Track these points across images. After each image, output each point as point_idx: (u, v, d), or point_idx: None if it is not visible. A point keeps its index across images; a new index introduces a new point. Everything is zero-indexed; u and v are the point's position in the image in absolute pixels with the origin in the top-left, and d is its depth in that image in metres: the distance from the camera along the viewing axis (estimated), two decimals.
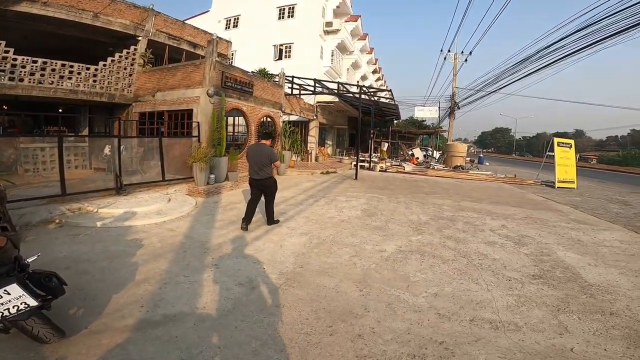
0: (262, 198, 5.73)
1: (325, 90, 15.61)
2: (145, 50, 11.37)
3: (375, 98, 17.52)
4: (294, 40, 21.96)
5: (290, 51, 22.26)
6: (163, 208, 6.51)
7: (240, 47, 22.61)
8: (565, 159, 14.27)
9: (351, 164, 17.36)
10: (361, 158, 17.88)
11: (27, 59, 8.81)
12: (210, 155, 8.63)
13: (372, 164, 17.05)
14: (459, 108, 24.35)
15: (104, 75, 10.43)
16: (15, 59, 8.62)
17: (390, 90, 17.84)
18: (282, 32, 22.39)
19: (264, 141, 5.70)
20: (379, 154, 21.86)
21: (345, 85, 14.76)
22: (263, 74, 15.33)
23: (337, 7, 23.31)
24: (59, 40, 11.22)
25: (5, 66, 8.44)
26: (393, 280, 3.72)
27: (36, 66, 8.99)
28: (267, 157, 5.43)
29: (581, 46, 10.50)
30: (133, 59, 11.14)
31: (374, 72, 37.96)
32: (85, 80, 9.97)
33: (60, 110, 12.01)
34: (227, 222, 5.92)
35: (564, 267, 4.33)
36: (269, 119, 13.06)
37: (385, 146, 23.19)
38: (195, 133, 9.31)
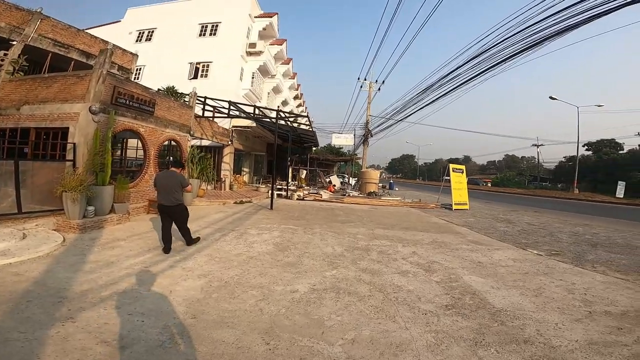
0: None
1: (242, 114, 14.86)
2: (19, 57, 9.34)
3: (295, 124, 17.48)
4: (213, 59, 20.79)
5: (207, 70, 20.96)
6: (10, 247, 5.05)
7: (151, 63, 20.82)
8: (459, 183, 16.12)
9: (268, 192, 16.70)
10: (278, 186, 17.42)
11: None
12: (87, 183, 7.07)
13: (289, 193, 16.66)
14: (372, 136, 26.03)
15: None
16: None
17: (307, 116, 17.98)
18: (201, 50, 21.12)
19: (173, 168, 5.84)
20: (297, 182, 21.71)
21: (263, 110, 14.31)
22: (171, 92, 13.99)
23: (264, 29, 22.97)
24: None
25: None
26: (306, 326, 3.18)
27: None
28: (178, 183, 5.58)
29: (475, 73, 12.05)
30: (0, 65, 8.98)
31: (296, 97, 38.54)
32: None
33: None
34: (102, 264, 4.71)
35: (471, 292, 4.34)
36: (174, 143, 11.73)
37: (303, 174, 23.22)
38: (70, 156, 7.67)
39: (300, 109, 41.43)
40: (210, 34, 21.63)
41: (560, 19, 8.68)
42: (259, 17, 22.98)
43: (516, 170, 73.95)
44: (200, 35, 21.85)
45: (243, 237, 7.06)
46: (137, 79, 20.59)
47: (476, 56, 11.22)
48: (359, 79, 26.14)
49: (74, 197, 6.71)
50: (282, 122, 16.99)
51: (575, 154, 39.94)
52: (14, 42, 9.47)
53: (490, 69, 10.92)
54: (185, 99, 13.61)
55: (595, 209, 20.40)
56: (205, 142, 16.84)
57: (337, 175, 28.66)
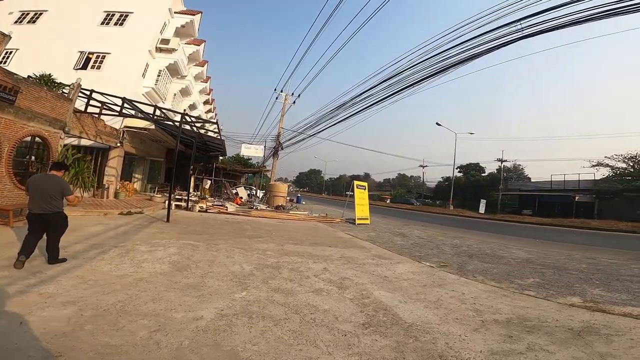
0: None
1: (139, 114, 12.86)
2: None
3: (202, 130, 16.07)
4: (111, 50, 17.82)
5: (102, 62, 17.72)
6: None
7: (28, 47, 16.77)
8: (362, 199, 17.22)
9: (164, 202, 14.83)
10: (177, 197, 15.72)
11: None
12: None
13: (190, 204, 15.12)
14: (282, 149, 25.96)
15: None
16: None
17: (216, 123, 16.84)
18: (99, 39, 17.99)
19: (54, 172, 4.96)
20: (200, 192, 19.99)
21: (166, 112, 12.66)
22: (46, 81, 11.30)
23: (182, 26, 20.84)
24: None
25: None
26: None
27: None
28: (59, 190, 4.79)
29: (387, 94, 12.95)
30: None
31: (206, 102, 35.99)
32: None
33: None
34: None
35: (383, 308, 4.37)
36: (38, 139, 9.40)
37: (208, 184, 21.57)
38: None
39: (210, 115, 38.80)
40: (116, 24, 18.65)
41: (466, 48, 10.19)
42: (180, 13, 21.00)
43: (406, 188, 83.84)
44: (102, 23, 18.82)
45: (129, 255, 5.88)
46: (4, 63, 16.18)
47: (388, 78, 12.31)
48: (275, 90, 25.94)
49: None
50: (187, 127, 15.52)
51: (451, 175, 47.49)
52: None
53: (400, 91, 12.09)
54: (65, 90, 11.18)
55: (465, 222, 24.25)
56: (86, 142, 14.12)
57: (245, 187, 27.58)
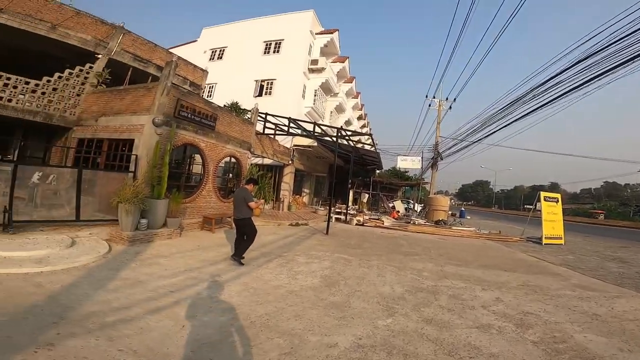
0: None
1: (301, 132, 14.52)
2: (103, 70, 10.24)
3: (357, 144, 16.68)
4: (276, 76, 20.85)
5: (271, 88, 21.02)
6: (51, 255, 5.03)
7: (222, 81, 21.93)
8: (552, 214, 13.72)
9: (326, 215, 15.94)
10: (337, 210, 16.59)
11: None
12: (143, 195, 7.04)
13: (348, 217, 15.66)
14: (442, 159, 23.91)
15: (44, 92, 9.11)
16: None
17: (370, 135, 16.99)
18: (266, 67, 21.42)
19: (246, 186, 6.24)
20: (357, 206, 20.63)
21: (323, 127, 13.83)
22: (234, 108, 14.36)
23: (325, 45, 22.75)
24: (13, 52, 10.14)
25: None
26: None
27: None
28: (242, 198, 5.92)
29: (578, 83, 9.51)
30: (86, 78, 9.95)
31: (360, 117, 37.40)
32: (21, 95, 8.66)
33: None
34: (129, 283, 4.36)
35: (589, 359, 2.88)
36: (233, 160, 11.76)
37: (365, 197, 22.08)
38: (132, 168, 7.91)
39: (365, 129, 40.36)
40: (274, 52, 21.85)
41: None
42: (320, 33, 22.88)
43: (618, 200, 62.81)
44: (265, 52, 22.15)
45: (288, 266, 6.28)
46: (210, 96, 21.82)
47: (581, 60, 9.06)
48: (427, 97, 24.40)
49: (127, 209, 6.71)
50: (344, 141, 16.36)
51: None
52: (99, 56, 10.39)
53: (599, 77, 8.68)
54: (247, 115, 13.77)
55: None
56: (267, 161, 16.95)
57: (402, 201, 26.81)
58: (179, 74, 13.24)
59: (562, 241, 13.40)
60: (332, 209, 17.51)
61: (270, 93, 20.89)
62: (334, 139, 12.81)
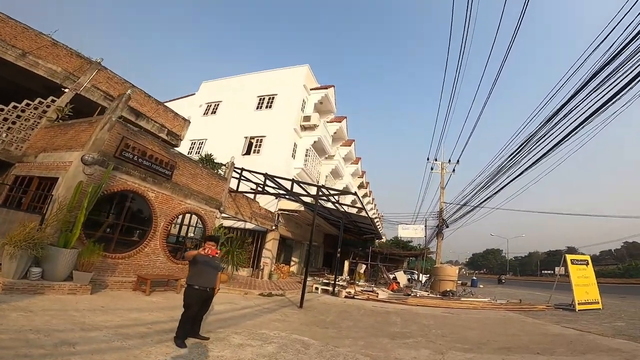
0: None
1: (279, 191, 12.96)
2: (66, 105, 9.31)
3: (344, 208, 15.08)
4: (266, 132, 19.34)
5: (260, 145, 19.35)
6: None
7: (213, 136, 20.85)
8: (583, 278, 12.44)
9: (313, 286, 13.58)
10: (324, 280, 14.29)
11: None
12: (39, 241, 5.54)
13: (337, 289, 13.27)
14: (447, 226, 21.90)
15: None
16: None
17: (356, 193, 15.37)
18: (256, 123, 20.14)
19: (211, 244, 4.71)
20: (353, 277, 18.10)
21: (302, 184, 12.40)
22: (207, 160, 13.21)
23: (320, 102, 21.65)
24: None
25: None
26: None
27: None
28: (218, 264, 4.81)
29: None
30: (44, 112, 9.00)
31: (361, 186, 34.27)
32: None
33: None
34: None
35: None
36: (195, 217, 10.14)
37: (362, 268, 19.61)
38: (46, 210, 6.53)
39: (367, 199, 38.40)
40: (267, 107, 20.67)
41: None
42: (315, 89, 21.96)
43: None
44: (257, 108, 21.00)
45: (205, 348, 4.22)
46: (198, 152, 20.26)
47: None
48: (428, 159, 23.41)
49: (11, 253, 5.29)
50: (333, 206, 14.81)
51: None
52: (66, 90, 9.55)
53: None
54: (221, 170, 12.55)
55: None
56: (249, 225, 15.25)
57: (405, 272, 24.00)
58: (155, 120, 12.47)
59: (599, 305, 11.85)
60: (320, 279, 15.18)
61: (258, 151, 19.22)
62: (317, 200, 11.29)
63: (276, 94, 20.82)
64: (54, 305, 5.00)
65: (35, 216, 6.38)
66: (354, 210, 16.37)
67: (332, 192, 12.47)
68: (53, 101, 9.26)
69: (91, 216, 6.72)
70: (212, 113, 23.01)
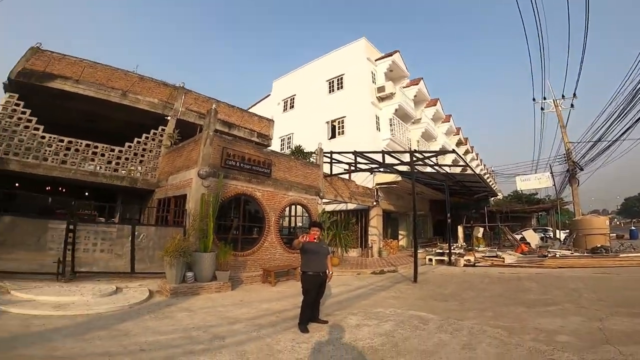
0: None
1: (371, 166, 12.63)
2: (173, 131, 10.91)
3: (445, 169, 13.79)
4: (345, 113, 19.19)
5: (343, 127, 19.39)
6: (78, 301, 5.21)
7: (297, 130, 21.51)
8: None
9: (426, 258, 13.08)
10: (439, 250, 13.58)
11: (54, 137, 9.02)
12: (186, 249, 6.65)
13: (453, 257, 12.45)
14: (581, 169, 18.19)
15: (127, 158, 10.09)
16: (43, 137, 8.83)
17: (454, 151, 13.83)
18: (333, 106, 20.12)
19: (315, 230, 4.93)
20: (468, 243, 16.70)
21: (394, 155, 11.75)
22: (298, 152, 13.80)
23: (389, 70, 20.60)
24: (104, 123, 11.82)
25: (32, 143, 8.65)
26: None
27: (61, 145, 9.10)
28: (327, 249, 5.09)
29: None
30: (160, 140, 10.76)
31: (459, 143, 31.55)
32: (107, 162, 9.76)
33: (86, 194, 11.88)
34: (111, 335, 3.95)
35: None
36: (299, 207, 10.76)
37: (480, 232, 17.91)
38: (185, 222, 7.75)
39: (470, 155, 34.55)
40: (338, 89, 20.48)
41: None
42: (379, 59, 20.91)
43: None
44: (330, 92, 20.96)
45: (325, 331, 4.44)
46: (288, 147, 21.26)
47: None
48: (534, 99, 19.65)
49: (170, 262, 6.52)
50: (431, 169, 13.77)
51: None
52: (168, 118, 11.14)
53: None
54: (312, 158, 12.93)
55: None
56: (350, 206, 15.52)
57: (535, 230, 20.96)
58: (244, 127, 13.61)
59: None
60: (433, 249, 14.45)
61: (343, 132, 19.26)
62: (412, 166, 10.64)
63: (343, 74, 20.46)
64: (207, 303, 5.87)
65: (179, 229, 7.66)
66: (457, 170, 14.86)
67: (426, 155, 11.60)
68: (163, 130, 10.91)
69: (218, 222, 7.78)
70: (290, 108, 23.71)
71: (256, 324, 4.68)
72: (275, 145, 18.47)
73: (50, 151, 9.01)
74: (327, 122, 20.16)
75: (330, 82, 21.23)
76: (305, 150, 14.40)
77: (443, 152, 13.36)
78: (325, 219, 11.34)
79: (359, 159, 12.11)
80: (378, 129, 18.66)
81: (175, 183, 9.10)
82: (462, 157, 13.68)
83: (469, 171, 14.85)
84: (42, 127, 8.98)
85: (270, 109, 23.08)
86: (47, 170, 8.93)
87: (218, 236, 7.79)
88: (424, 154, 11.81)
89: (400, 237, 19.47)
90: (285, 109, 23.97)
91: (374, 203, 15.71)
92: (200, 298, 6.35)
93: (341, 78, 20.59)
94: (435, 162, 13.00)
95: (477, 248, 14.66)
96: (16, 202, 9.62)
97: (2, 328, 3.85)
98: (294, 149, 14.71)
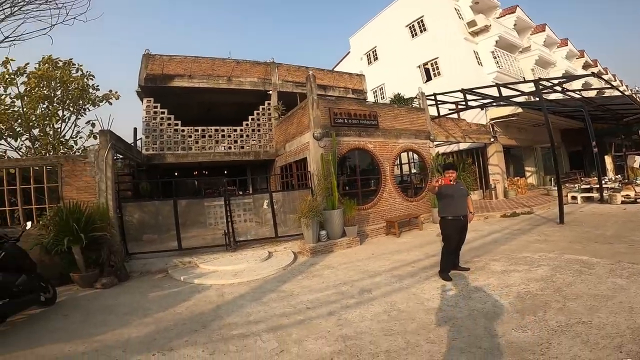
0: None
1: (483, 102, 11.28)
2: (277, 103, 11.79)
3: (574, 94, 11.20)
4: (436, 54, 18.18)
5: (438, 68, 18.45)
6: (247, 268, 6.03)
7: (387, 80, 21.03)
8: None
9: (568, 195, 11.41)
10: (584, 186, 11.67)
11: (191, 129, 10.75)
12: (317, 208, 7.27)
13: (606, 193, 10.53)
14: None
15: (247, 135, 11.41)
16: (183, 130, 10.64)
17: (593, 74, 10.90)
18: (421, 50, 19.07)
19: (450, 173, 4.61)
20: (625, 175, 13.73)
21: (512, 86, 9.98)
22: (397, 100, 13.22)
23: (474, 2, 18.04)
24: (219, 109, 13.43)
25: (177, 137, 10.56)
26: None
27: (198, 135, 10.84)
28: (465, 191, 4.75)
29: None
30: (269, 114, 11.80)
31: (587, 66, 26.30)
32: (234, 142, 11.21)
33: (225, 172, 13.81)
34: (283, 296, 4.47)
35: None
36: (411, 153, 10.52)
37: (635, 161, 14.48)
38: (310, 184, 8.41)
39: (606, 77, 27.37)
40: (421, 31, 19.29)
41: None
42: None
43: None
44: (413, 36, 19.85)
45: (470, 278, 4.46)
46: (382, 98, 21.34)
47: None
48: None
49: (305, 223, 7.18)
50: (557, 96, 11.39)
51: None
52: (269, 92, 12.04)
53: None
54: (415, 103, 12.22)
55: None
56: (463, 146, 14.41)
57: None
58: (337, 86, 13.74)
59: None
60: (575, 185, 12.40)
61: (439, 74, 18.23)
62: (540, 95, 9.03)
63: (422, 16, 18.84)
64: (343, 259, 6.29)
65: (306, 191, 8.39)
66: (591, 94, 11.93)
67: (554, 81, 9.66)
68: (268, 104, 11.79)
69: (338, 178, 8.22)
70: (374, 60, 22.98)
71: (395, 275, 4.89)
72: (368, 98, 18.28)
73: (191, 141, 10.72)
74: (419, 67, 19.21)
75: (410, 27, 19.85)
76: (404, 97, 13.72)
77: (575, 77, 10.76)
78: (441, 161, 10.80)
79: (468, 97, 10.94)
80: (480, 64, 16.99)
81: (293, 149, 9.83)
82: (600, 78, 10.86)
83: (608, 93, 11.76)
84: (179, 122, 10.66)
85: (353, 65, 22.43)
86: (193, 157, 10.74)
87: (340, 193, 8.19)
88: (551, 81, 9.81)
89: (527, 174, 17.31)
90: (369, 62, 23.33)
91: (491, 140, 14.13)
92: (336, 254, 6.83)
93: (421, 20, 19.07)
94: (563, 89, 10.67)
95: (636, 181, 12.00)
96: (172, 188, 12.05)
97: (207, 300, 4.51)
98: (393, 97, 14.17)
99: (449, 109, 12.46)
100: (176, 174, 13.94)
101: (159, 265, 6.57)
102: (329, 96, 12.06)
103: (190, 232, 7.77)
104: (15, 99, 8.42)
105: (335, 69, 20.47)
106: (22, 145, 8.58)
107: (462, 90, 10.44)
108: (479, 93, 10.59)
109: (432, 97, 11.54)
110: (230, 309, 4.05)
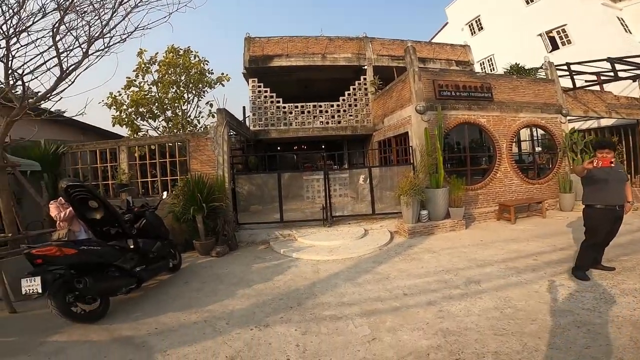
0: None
1: (638, 71, 8.91)
2: (374, 77, 11.45)
3: None
4: (564, 21, 15.83)
5: (567, 35, 16.00)
6: (342, 245, 5.96)
7: (497, 50, 18.91)
8: None
9: None
10: None
11: (291, 105, 11.22)
12: (419, 186, 6.69)
13: None
14: None
15: (345, 110, 11.37)
16: (284, 107, 11.16)
17: None
18: (543, 16, 16.67)
19: (606, 153, 3.53)
20: None
21: None
22: (516, 70, 11.46)
23: None
24: (316, 85, 13.71)
25: (279, 114, 11.13)
26: None
27: (297, 111, 11.26)
28: (624, 175, 3.71)
29: None
30: (365, 89, 11.53)
31: None
32: (331, 117, 11.33)
33: (323, 147, 14.09)
34: (376, 279, 4.25)
35: None
36: (535, 130, 8.98)
37: None
38: (411, 159, 7.83)
39: None
40: None
41: None
42: None
43: None
44: (528, 2, 17.55)
45: (616, 280, 3.54)
46: (492, 69, 19.20)
47: None
48: None
49: (405, 201, 6.67)
50: None
51: None
52: (365, 67, 11.74)
53: None
54: (540, 74, 10.33)
55: None
56: (604, 122, 11.82)
57: None
58: (438, 59, 12.79)
59: None
60: None
61: (568, 42, 15.92)
62: None
63: None
64: (446, 243, 5.76)
65: (406, 166, 7.81)
66: None
67: None
68: (364, 79, 11.46)
69: (443, 155, 7.40)
70: (479, 30, 20.85)
71: (511, 267, 4.21)
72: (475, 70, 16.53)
73: (291, 117, 11.20)
74: (540, 34, 16.83)
75: None
76: (525, 68, 11.87)
77: None
78: (578, 140, 8.94)
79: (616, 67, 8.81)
80: (628, 31, 15.25)
81: (392, 124, 9.33)
82: None
83: None
84: (281, 100, 11.16)
85: (453, 36, 20.30)
86: (294, 132, 11.22)
87: (446, 170, 7.50)
88: None
89: None
90: (473, 33, 21.13)
91: None
92: (437, 237, 6.31)
93: None
94: None
95: None
96: (276, 162, 12.77)
97: (303, 275, 4.56)
98: (510, 68, 12.42)
99: (585, 81, 10.28)
100: (278, 148, 14.90)
101: (262, 236, 6.93)
102: (430, 68, 11.17)
103: (290, 205, 8.04)
104: (152, 85, 9.99)
105: (434, 41, 19.08)
106: (159, 125, 10.18)
107: (609, 59, 8.57)
108: (632, 62, 8.50)
109: (565, 67, 9.62)
110: (325, 288, 4.02)
